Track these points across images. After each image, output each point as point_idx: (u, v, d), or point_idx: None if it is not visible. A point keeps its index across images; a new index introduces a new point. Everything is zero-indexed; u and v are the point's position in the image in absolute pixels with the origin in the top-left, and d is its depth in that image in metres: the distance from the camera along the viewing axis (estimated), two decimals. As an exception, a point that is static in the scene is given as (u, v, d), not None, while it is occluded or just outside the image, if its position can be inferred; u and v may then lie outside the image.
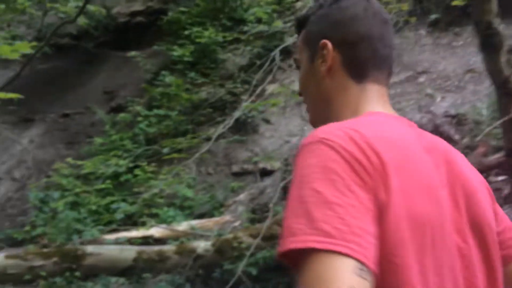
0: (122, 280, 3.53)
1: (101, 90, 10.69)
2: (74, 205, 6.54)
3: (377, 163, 0.69)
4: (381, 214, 0.67)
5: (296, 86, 8.32)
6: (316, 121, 0.93)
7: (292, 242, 0.64)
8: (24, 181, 9.10)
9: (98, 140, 7.93)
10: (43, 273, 2.89)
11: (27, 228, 7.26)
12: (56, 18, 9.24)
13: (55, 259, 3.03)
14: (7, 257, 2.99)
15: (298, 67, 0.98)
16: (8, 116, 11.15)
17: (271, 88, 8.58)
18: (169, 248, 3.73)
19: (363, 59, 0.87)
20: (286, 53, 8.08)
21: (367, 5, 0.90)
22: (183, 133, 7.53)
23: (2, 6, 5.98)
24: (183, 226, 5.61)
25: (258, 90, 7.31)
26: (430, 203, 0.73)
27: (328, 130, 0.74)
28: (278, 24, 8.13)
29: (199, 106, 8.12)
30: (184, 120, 7.69)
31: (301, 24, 0.97)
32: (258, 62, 7.87)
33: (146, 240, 5.18)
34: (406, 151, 0.76)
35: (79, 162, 7.43)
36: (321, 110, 0.92)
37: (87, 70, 11.19)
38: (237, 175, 7.42)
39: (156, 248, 3.69)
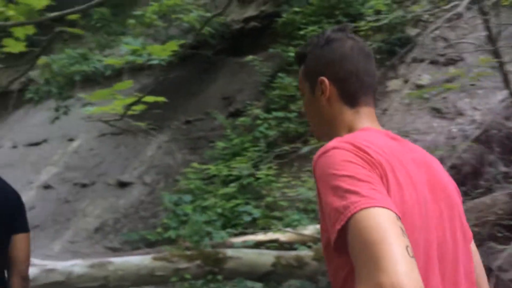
0: (259, 285, 3.46)
1: (220, 96, 11.03)
2: (202, 208, 6.74)
3: (377, 162, 0.91)
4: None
5: (421, 81, 7.67)
6: (321, 138, 1.19)
7: (353, 209, 0.80)
8: (154, 186, 9.68)
9: (220, 144, 8.13)
10: (188, 276, 2.93)
11: (158, 230, 7.67)
12: (177, 31, 9.74)
13: (198, 261, 3.05)
14: (155, 258, 3.04)
15: (302, 95, 1.21)
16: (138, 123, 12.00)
17: (393, 83, 8.11)
18: (306, 253, 3.59)
19: (353, 90, 1.11)
20: (409, 45, 7.58)
21: (353, 43, 1.14)
22: (304, 135, 7.40)
23: (133, 21, 6.39)
24: (309, 230, 5.45)
25: (380, 87, 6.92)
26: (415, 194, 0.94)
27: (336, 142, 0.95)
28: (399, 15, 7.63)
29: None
30: (304, 121, 7.56)
31: (300, 60, 1.21)
32: (379, 57, 7.46)
33: (272, 244, 5.13)
34: (392, 155, 0.96)
35: (204, 167, 7.66)
36: (324, 130, 1.15)
37: (206, 78, 11.64)
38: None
39: (293, 253, 3.56)
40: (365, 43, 1.18)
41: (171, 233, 6.71)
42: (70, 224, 10.12)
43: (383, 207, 0.81)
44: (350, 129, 1.08)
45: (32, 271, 2.79)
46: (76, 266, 2.86)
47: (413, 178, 0.96)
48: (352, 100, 1.11)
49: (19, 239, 2.41)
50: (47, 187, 12.16)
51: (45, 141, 14.81)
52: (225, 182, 7.46)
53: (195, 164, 7.93)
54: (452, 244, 0.98)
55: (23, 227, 2.51)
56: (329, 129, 1.13)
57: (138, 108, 2.53)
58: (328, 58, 1.12)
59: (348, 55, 1.11)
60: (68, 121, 14.53)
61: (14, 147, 15.52)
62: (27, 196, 12.40)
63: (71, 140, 13.97)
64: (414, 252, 0.77)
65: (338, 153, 0.90)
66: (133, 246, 8.21)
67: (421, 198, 0.95)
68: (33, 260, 8.39)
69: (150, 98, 2.47)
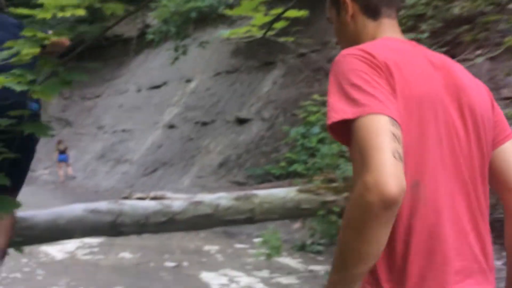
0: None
1: (335, 24, 10.38)
2: (323, 140, 6.47)
3: (382, 63, 0.96)
4: (393, 93, 0.94)
5: None
6: None
7: (343, 115, 0.89)
8: (273, 120, 9.61)
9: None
10: (336, 209, 2.73)
11: (282, 164, 7.62)
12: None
13: (345, 194, 2.83)
14: (300, 191, 2.83)
15: (331, 23, 1.24)
16: (251, 60, 11.90)
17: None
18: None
19: (374, 3, 1.14)
20: None
21: None
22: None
23: None
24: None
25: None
26: (425, 86, 0.99)
27: (349, 50, 1.00)
28: None
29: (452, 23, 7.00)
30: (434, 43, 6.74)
31: None
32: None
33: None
34: (404, 55, 1.02)
35: (325, 98, 7.31)
36: (353, 45, 1.09)
37: (320, 5, 10.99)
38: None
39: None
40: None
41: (297, 167, 6.59)
42: (195, 161, 10.59)
43: (378, 113, 0.87)
44: (372, 40, 1.11)
45: (181, 204, 2.75)
46: (222, 199, 2.76)
47: (425, 73, 1.02)
48: (374, 12, 1.14)
49: None
50: (171, 126, 12.81)
51: (165, 83, 15.49)
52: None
53: (315, 96, 7.60)
54: (466, 141, 1.01)
55: None
56: (356, 44, 1.10)
57: (279, 25, 2.22)
58: None
59: None
60: (185, 63, 14.94)
61: (139, 90, 16.51)
62: (154, 136, 13.22)
63: (188, 81, 14.42)
64: (411, 144, 0.92)
65: (348, 60, 0.96)
66: (257, 181, 8.32)
67: (433, 93, 1.00)
68: (166, 194, 8.92)
69: (292, 13, 2.14)
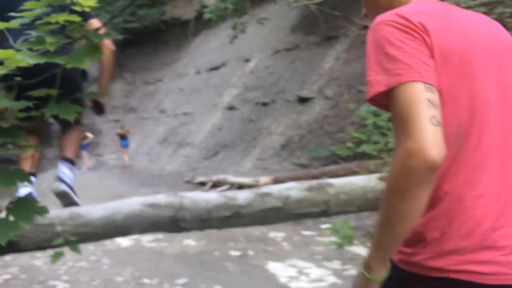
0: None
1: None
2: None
3: (423, 29, 0.94)
4: (431, 52, 0.93)
5: None
6: (373, 15, 1.16)
7: (377, 88, 0.92)
8: (337, 98, 9.13)
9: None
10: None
11: (349, 144, 7.18)
12: None
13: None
14: (382, 179, 2.43)
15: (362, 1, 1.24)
16: (312, 36, 11.38)
17: None
18: None
19: None
20: None
21: None
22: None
23: None
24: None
25: None
26: (466, 40, 0.98)
27: (383, 16, 0.98)
28: None
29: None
30: None
31: None
32: None
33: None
34: (441, 13, 1.01)
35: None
36: (377, 8, 1.15)
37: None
38: None
39: None
40: None
41: (365, 147, 6.13)
42: (257, 142, 10.34)
43: (412, 80, 0.88)
44: (406, 4, 1.07)
45: (247, 196, 2.45)
46: (293, 189, 2.43)
47: (467, 30, 1.01)
48: None
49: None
50: (231, 108, 12.63)
51: (223, 64, 15.31)
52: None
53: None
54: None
55: None
56: (382, 6, 1.13)
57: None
58: None
59: None
60: (243, 42, 14.66)
61: (198, 73, 16.47)
62: (215, 118, 13.12)
63: (247, 61, 14.13)
64: (457, 100, 0.94)
65: (382, 28, 0.96)
66: (322, 163, 7.93)
67: (476, 46, 0.99)
68: (228, 177, 8.75)
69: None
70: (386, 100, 0.92)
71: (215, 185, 9.11)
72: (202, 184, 9.42)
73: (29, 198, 1.35)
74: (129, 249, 4.82)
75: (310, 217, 2.61)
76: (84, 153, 14.80)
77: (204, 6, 15.93)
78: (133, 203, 2.40)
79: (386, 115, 5.57)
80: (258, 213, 2.49)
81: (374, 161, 5.03)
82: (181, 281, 3.81)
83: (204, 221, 2.44)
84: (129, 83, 20.30)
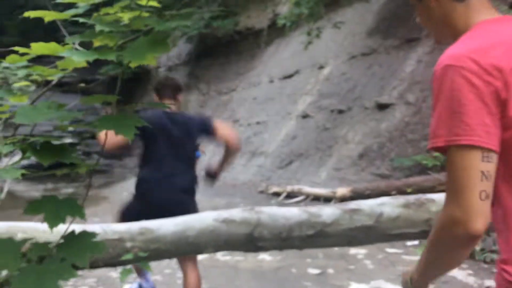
0: None
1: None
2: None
3: (496, 72, 0.90)
4: (504, 108, 0.91)
5: None
6: (441, 40, 1.20)
7: (436, 142, 0.95)
8: (420, 104, 8.51)
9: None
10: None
11: (436, 153, 6.59)
12: None
13: None
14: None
15: (415, 8, 1.18)
16: (390, 39, 10.81)
17: None
18: None
19: None
20: None
21: None
22: None
23: None
24: None
25: None
26: None
27: (450, 58, 0.96)
28: None
29: None
30: None
31: None
32: None
33: None
34: None
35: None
36: (442, 32, 1.15)
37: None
38: None
39: None
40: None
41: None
42: (333, 151, 9.94)
43: (471, 144, 0.90)
44: (467, 25, 1.05)
45: (333, 212, 2.16)
46: (386, 205, 2.09)
47: None
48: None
49: (218, 129, 3.15)
50: (305, 116, 12.32)
51: (297, 72, 15.07)
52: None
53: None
54: None
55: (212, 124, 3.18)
56: (447, 29, 1.12)
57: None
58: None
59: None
60: (316, 49, 14.32)
61: (271, 81, 16.35)
62: (288, 127, 12.87)
63: (321, 67, 13.78)
64: None
65: (447, 76, 0.94)
66: (405, 173, 7.38)
67: None
68: (303, 187, 8.42)
69: None
70: (444, 152, 0.96)
71: (290, 195, 8.83)
72: (277, 194, 9.17)
73: (83, 232, 1.12)
74: (203, 263, 4.65)
75: (407, 238, 2.25)
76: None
77: (277, 15, 15.83)
78: (205, 218, 2.18)
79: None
80: (345, 232, 2.17)
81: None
82: (257, 300, 3.56)
83: (284, 240, 2.16)
84: (203, 94, 20.68)
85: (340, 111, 10.93)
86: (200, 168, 3.43)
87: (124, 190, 13.35)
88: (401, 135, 8.37)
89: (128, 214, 3.02)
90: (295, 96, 13.93)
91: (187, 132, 3.11)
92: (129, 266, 2.11)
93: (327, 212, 2.18)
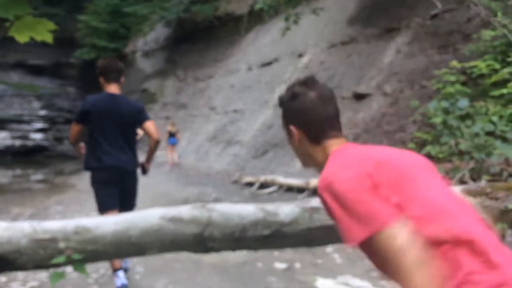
0: None
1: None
2: (469, 117, 5.22)
3: (370, 174, 1.16)
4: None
5: None
6: (307, 166, 1.53)
7: (363, 233, 1.11)
8: (397, 95, 8.40)
9: (487, 34, 6.21)
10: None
11: (410, 145, 6.49)
12: None
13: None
14: (469, 193, 1.87)
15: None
16: (370, 28, 10.65)
17: None
18: None
19: (316, 133, 1.40)
20: None
21: (314, 95, 1.40)
22: None
23: None
24: None
25: None
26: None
27: (331, 176, 1.22)
28: None
29: None
30: None
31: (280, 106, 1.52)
32: None
33: None
34: (372, 155, 1.27)
35: (469, 64, 5.98)
36: (307, 162, 1.49)
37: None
38: None
39: None
40: (327, 89, 1.45)
41: (430, 149, 5.45)
42: (309, 141, 9.79)
43: (388, 224, 1.08)
44: (326, 157, 1.37)
45: (291, 211, 2.00)
46: None
47: (399, 166, 1.24)
48: (317, 140, 1.40)
49: (147, 125, 3.54)
50: (282, 105, 12.12)
51: (276, 60, 14.83)
52: (497, 83, 5.68)
53: (454, 63, 6.29)
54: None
55: (147, 118, 3.57)
56: (311, 160, 1.46)
57: None
58: (294, 111, 1.43)
59: (308, 107, 1.40)
60: (296, 37, 14.11)
61: (249, 69, 16.09)
62: (265, 115, 12.67)
63: (300, 56, 13.58)
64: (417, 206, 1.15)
65: (340, 185, 1.17)
66: (380, 164, 7.28)
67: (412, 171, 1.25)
68: (277, 177, 8.25)
69: None
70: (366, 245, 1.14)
71: (263, 185, 8.66)
72: (250, 184, 8.99)
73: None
74: (165, 257, 4.45)
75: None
76: (173, 147, 14.39)
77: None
78: (150, 216, 1.97)
79: (457, 112, 4.85)
80: (304, 232, 1.99)
81: (442, 164, 4.38)
82: (218, 298, 3.38)
83: (237, 240, 1.96)
84: (180, 80, 20.29)
85: (317, 101, 10.77)
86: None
87: (95, 177, 12.99)
88: (377, 126, 8.26)
89: (98, 181, 3.50)
90: (273, 84, 13.71)
91: (128, 113, 3.50)
92: (61, 270, 1.88)
93: (285, 211, 1.99)
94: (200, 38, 20.38)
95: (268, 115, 12.52)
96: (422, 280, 1.02)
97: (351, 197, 1.13)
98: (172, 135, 14.26)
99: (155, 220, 1.91)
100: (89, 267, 2.02)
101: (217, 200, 8.18)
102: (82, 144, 3.64)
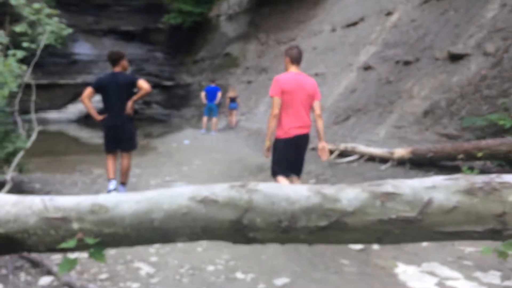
0: None
1: None
2: None
3: (280, 83, 4.21)
4: (283, 92, 4.20)
5: None
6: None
7: (271, 93, 4.53)
8: (501, 55, 7.30)
9: None
10: None
11: (516, 112, 5.57)
12: None
13: None
14: None
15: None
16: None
17: None
18: None
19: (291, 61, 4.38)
20: None
21: (296, 49, 4.39)
22: None
23: None
24: None
25: None
26: (292, 88, 4.20)
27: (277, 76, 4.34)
28: None
29: None
30: None
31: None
32: None
33: None
34: (291, 79, 4.22)
35: None
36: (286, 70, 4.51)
37: None
38: None
39: None
40: (298, 47, 4.40)
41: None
42: (394, 107, 8.97)
43: (275, 96, 4.16)
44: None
45: (357, 196, 1.51)
46: (437, 190, 1.57)
47: (294, 85, 4.18)
48: (292, 63, 4.31)
49: (139, 83, 5.32)
50: (367, 68, 11.27)
51: (361, 19, 13.82)
52: None
53: None
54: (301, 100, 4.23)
55: (137, 78, 5.41)
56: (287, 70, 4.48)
57: None
58: (288, 54, 4.35)
59: (293, 51, 4.33)
60: (384, -7, 12.98)
61: (333, 30, 15.21)
62: (348, 79, 11.90)
63: (389, 14, 12.47)
64: (288, 102, 4.22)
65: (275, 80, 4.24)
66: (476, 134, 6.40)
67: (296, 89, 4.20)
68: (358, 147, 7.64)
69: None
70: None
71: (342, 154, 8.11)
72: (329, 152, 8.46)
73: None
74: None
75: (466, 238, 1.55)
76: (233, 111, 15.39)
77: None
78: (178, 196, 1.59)
79: None
80: (373, 225, 1.52)
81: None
82: (280, 281, 3.01)
83: (285, 231, 1.55)
84: (262, 44, 19.84)
85: (406, 63, 9.82)
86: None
87: (174, 141, 13.19)
88: (475, 90, 7.28)
89: (104, 134, 5.60)
90: (358, 46, 12.81)
91: (124, 84, 5.35)
92: (74, 256, 1.59)
93: (349, 196, 1.53)
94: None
95: (351, 78, 11.75)
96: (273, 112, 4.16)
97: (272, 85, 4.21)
98: (232, 100, 15.03)
99: (183, 201, 1.55)
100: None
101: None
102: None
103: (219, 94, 14.89)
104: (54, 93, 22.32)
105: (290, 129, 4.12)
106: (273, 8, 20.32)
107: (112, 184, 5.45)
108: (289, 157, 4.24)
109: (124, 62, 5.45)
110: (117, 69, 5.39)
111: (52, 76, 23.33)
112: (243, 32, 22.37)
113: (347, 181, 6.63)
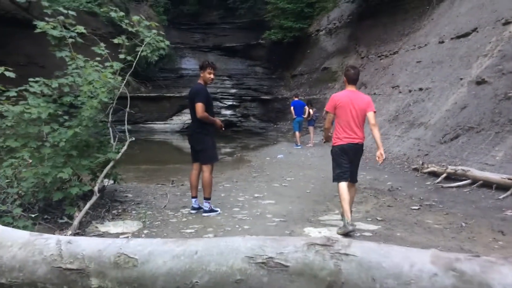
0: None
1: None
2: None
3: (335, 100, 4.96)
4: (336, 107, 4.98)
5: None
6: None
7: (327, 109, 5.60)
8: None
9: None
10: None
11: None
12: None
13: None
14: None
15: None
16: None
17: None
18: None
19: (348, 80, 5.10)
20: None
21: (352, 69, 5.11)
22: None
23: None
24: None
25: None
26: (344, 103, 4.91)
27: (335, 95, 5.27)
28: None
29: None
30: None
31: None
32: None
33: None
34: (345, 97, 4.91)
35: None
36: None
37: None
38: None
39: None
40: (356, 68, 5.11)
41: None
42: (514, 126, 7.82)
43: (329, 111, 4.98)
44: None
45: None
46: None
47: (348, 101, 4.84)
48: (349, 83, 4.96)
49: (196, 106, 5.65)
50: (480, 82, 10.09)
51: (474, 30, 12.55)
52: None
53: None
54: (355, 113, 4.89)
55: (195, 101, 5.52)
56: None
57: None
58: (345, 74, 5.05)
59: (350, 72, 4.98)
60: (502, 1, 11.68)
61: (441, 42, 14.03)
62: (458, 94, 10.77)
63: (507, 23, 11.15)
64: (342, 115, 4.95)
65: (331, 97, 5.05)
66: None
67: (348, 104, 4.85)
68: (470, 169, 6.69)
69: None
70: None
71: (450, 177, 7.20)
72: (434, 174, 7.60)
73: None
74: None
75: None
76: (311, 129, 15.19)
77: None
78: (232, 251, 1.21)
79: None
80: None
81: None
82: None
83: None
84: (362, 57, 19.05)
85: (529, 76, 8.58)
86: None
87: (268, 155, 12.92)
88: None
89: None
90: (470, 59, 11.60)
91: (191, 98, 5.61)
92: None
93: (507, 280, 1.00)
94: (385, 12, 18.76)
95: (461, 94, 10.62)
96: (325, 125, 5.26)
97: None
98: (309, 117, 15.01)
99: (237, 261, 1.16)
100: None
101: (392, 190, 7.07)
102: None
103: (307, 109, 14.78)
104: (162, 105, 23.59)
105: (344, 138, 4.78)
106: (374, 21, 19.47)
107: (194, 203, 5.62)
108: (344, 162, 4.79)
109: (205, 74, 5.58)
110: (199, 80, 5.65)
111: (161, 89, 24.88)
112: (342, 46, 21.76)
113: (457, 209, 5.79)
